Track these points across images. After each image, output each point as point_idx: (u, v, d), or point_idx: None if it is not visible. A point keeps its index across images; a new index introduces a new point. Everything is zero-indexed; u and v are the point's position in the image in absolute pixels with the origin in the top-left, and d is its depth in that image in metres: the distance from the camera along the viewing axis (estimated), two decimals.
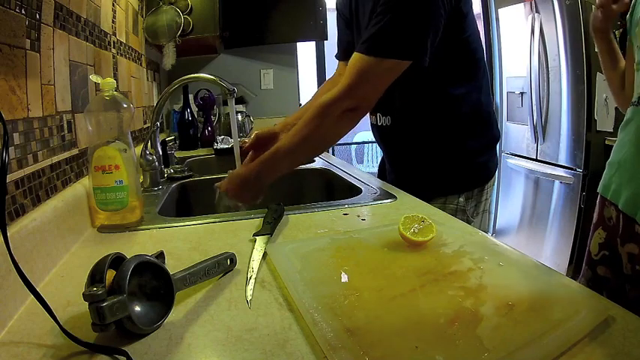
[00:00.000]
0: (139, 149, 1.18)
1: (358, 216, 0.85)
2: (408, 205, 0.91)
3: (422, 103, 1.07)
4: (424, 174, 1.13)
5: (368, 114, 1.11)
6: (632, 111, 0.89)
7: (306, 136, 0.89)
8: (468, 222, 1.10)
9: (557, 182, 2.48)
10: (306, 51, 3.02)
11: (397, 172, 1.21)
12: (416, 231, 0.65)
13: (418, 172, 1.14)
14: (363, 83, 0.90)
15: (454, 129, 1.08)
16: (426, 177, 1.13)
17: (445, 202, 1.10)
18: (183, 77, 1.21)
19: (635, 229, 0.84)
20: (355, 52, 0.92)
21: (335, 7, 1.24)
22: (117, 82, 1.05)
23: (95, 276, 0.44)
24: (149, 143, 1.19)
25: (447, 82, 1.03)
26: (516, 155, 2.84)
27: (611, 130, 2.25)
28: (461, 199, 1.10)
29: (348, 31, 1.19)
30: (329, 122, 0.89)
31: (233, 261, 0.62)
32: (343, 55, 1.25)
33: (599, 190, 0.99)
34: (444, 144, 1.10)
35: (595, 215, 1.01)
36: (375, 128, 1.19)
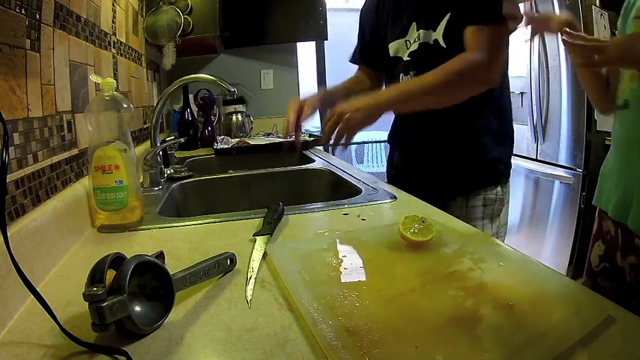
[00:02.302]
0: (139, 149, 1.18)
1: (358, 216, 0.85)
2: (408, 205, 0.91)
3: None
4: (465, 163, 1.10)
5: None
6: (617, 116, 0.89)
7: (440, 88, 0.96)
8: (499, 213, 1.12)
9: (557, 182, 2.48)
10: (306, 51, 3.01)
11: (427, 165, 1.16)
12: (416, 231, 0.65)
13: (457, 162, 1.10)
14: (498, 52, 0.97)
15: (498, 109, 1.09)
16: (466, 166, 1.10)
17: (485, 192, 1.10)
18: (183, 77, 1.21)
19: (634, 242, 0.84)
20: (472, 27, 0.97)
21: (353, 9, 1.33)
22: (117, 82, 1.05)
23: (95, 276, 0.44)
24: (151, 143, 1.19)
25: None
26: (516, 155, 2.84)
27: (611, 130, 2.25)
28: (499, 189, 1.11)
29: (372, 32, 1.26)
30: (465, 85, 0.98)
31: (233, 261, 0.62)
32: (361, 57, 1.33)
33: (594, 201, 0.98)
34: (488, 125, 1.08)
35: (594, 227, 1.00)
36: (410, 114, 1.17)
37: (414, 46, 1.12)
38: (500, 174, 1.13)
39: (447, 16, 1.03)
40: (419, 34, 1.10)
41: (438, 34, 1.06)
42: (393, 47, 1.19)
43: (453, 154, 1.11)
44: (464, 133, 1.09)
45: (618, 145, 0.88)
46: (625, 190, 0.83)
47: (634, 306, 0.85)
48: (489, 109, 1.09)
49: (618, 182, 0.86)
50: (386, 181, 1.23)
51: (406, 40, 1.15)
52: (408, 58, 1.14)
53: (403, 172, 1.25)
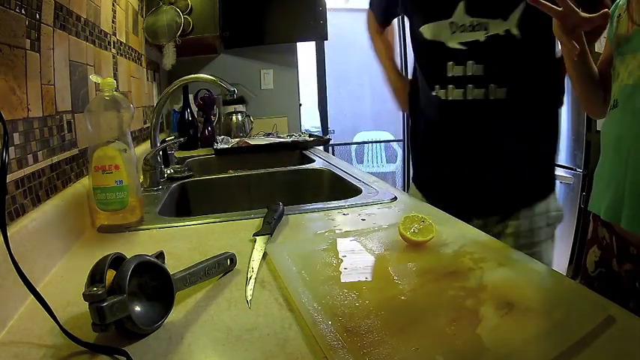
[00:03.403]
0: (139, 149, 1.18)
1: (358, 215, 0.85)
2: (408, 205, 0.91)
3: (541, 73, 1.01)
4: (533, 167, 1.00)
5: (449, 88, 1.04)
6: (608, 116, 0.89)
7: None
8: (553, 233, 1.05)
9: (557, 182, 2.48)
10: (306, 51, 3.01)
11: (483, 170, 1.04)
12: (416, 231, 0.65)
13: (524, 166, 1.00)
14: None
15: (556, 110, 1.05)
16: (533, 171, 1.00)
17: (548, 207, 1.02)
18: (183, 77, 1.21)
19: (630, 250, 0.83)
20: None
21: None
22: (117, 82, 1.05)
23: (95, 276, 0.44)
24: (151, 143, 1.19)
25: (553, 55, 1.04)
26: None
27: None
28: (558, 204, 1.04)
29: None
30: None
31: (233, 261, 0.62)
32: (384, 17, 1.29)
33: (589, 207, 0.98)
34: (556, 127, 1.03)
35: (589, 232, 1.00)
36: (469, 106, 1.02)
37: (476, 36, 0.99)
38: (554, 177, 1.10)
39: (522, 5, 0.95)
40: (486, 24, 0.98)
41: (510, 24, 0.97)
42: (429, 30, 1.04)
43: (523, 149, 1.02)
44: (541, 118, 1.03)
45: (608, 145, 0.88)
46: (616, 189, 0.83)
47: (631, 307, 0.84)
48: (555, 118, 1.06)
49: (609, 182, 0.86)
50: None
51: (451, 22, 1.00)
52: (463, 47, 1.00)
53: (444, 184, 1.12)
